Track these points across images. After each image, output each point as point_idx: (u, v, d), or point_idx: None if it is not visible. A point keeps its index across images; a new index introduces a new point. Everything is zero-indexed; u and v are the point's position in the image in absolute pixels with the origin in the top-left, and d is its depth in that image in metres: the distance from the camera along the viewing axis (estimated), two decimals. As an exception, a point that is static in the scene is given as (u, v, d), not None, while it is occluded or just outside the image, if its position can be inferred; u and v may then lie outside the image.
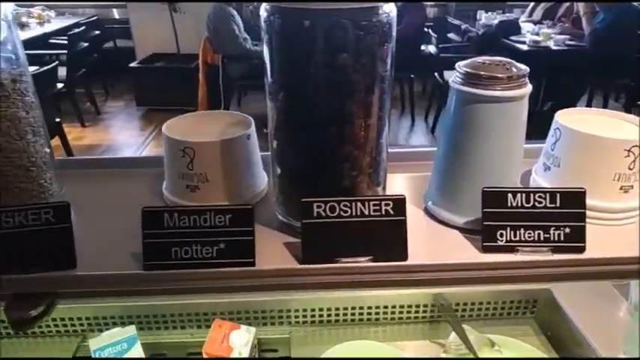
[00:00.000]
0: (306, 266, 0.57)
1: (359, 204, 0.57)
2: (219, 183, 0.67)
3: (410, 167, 0.83)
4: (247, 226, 0.56)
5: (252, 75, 4.32)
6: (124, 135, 4.39)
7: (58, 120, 3.58)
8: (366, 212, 0.57)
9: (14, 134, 0.60)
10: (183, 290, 0.56)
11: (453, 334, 1.10)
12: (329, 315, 1.22)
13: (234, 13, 4.09)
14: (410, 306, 1.22)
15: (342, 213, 0.57)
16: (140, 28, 4.98)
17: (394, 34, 0.55)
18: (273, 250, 0.61)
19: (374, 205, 0.57)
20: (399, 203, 0.57)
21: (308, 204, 0.56)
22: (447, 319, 1.16)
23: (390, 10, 0.53)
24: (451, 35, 4.91)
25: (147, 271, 0.56)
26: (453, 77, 0.62)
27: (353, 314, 1.22)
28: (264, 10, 0.55)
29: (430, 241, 0.65)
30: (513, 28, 4.17)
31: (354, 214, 0.57)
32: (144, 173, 0.81)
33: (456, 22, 4.94)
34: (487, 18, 4.59)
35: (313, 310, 1.21)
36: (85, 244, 0.59)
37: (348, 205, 0.57)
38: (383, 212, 0.57)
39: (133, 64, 4.78)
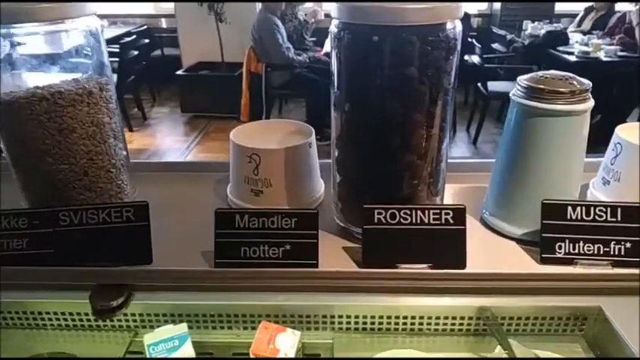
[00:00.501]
0: (367, 270, 0.59)
1: (419, 212, 0.59)
2: (281, 188, 0.71)
3: (461, 178, 0.84)
4: (312, 229, 0.59)
5: (293, 84, 4.41)
6: (169, 140, 4.54)
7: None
8: (426, 220, 0.59)
9: (99, 138, 0.66)
10: (251, 288, 0.60)
11: (499, 347, 1.09)
12: (372, 323, 1.23)
13: (279, 23, 4.18)
14: (455, 317, 1.21)
15: (402, 220, 0.59)
16: (187, 37, 5.16)
17: (459, 48, 0.57)
18: (332, 254, 0.64)
19: (434, 213, 0.59)
20: (459, 213, 0.59)
21: (369, 210, 0.59)
22: (493, 332, 1.15)
23: (455, 25, 0.56)
24: (495, 46, 4.83)
25: (218, 269, 0.60)
26: (514, 90, 0.63)
27: (397, 323, 1.23)
28: (334, 26, 0.58)
29: (487, 251, 0.66)
30: (561, 38, 4.07)
31: (414, 221, 0.59)
32: (206, 177, 0.86)
33: (501, 32, 4.86)
34: (533, 28, 4.50)
35: (357, 317, 1.23)
36: (157, 241, 0.63)
37: (409, 213, 0.59)
38: (443, 221, 0.59)
39: (179, 72, 4.95)
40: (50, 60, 0.63)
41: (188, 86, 4.91)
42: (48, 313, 1.32)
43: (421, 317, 1.26)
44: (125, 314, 1.34)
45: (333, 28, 0.59)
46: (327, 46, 4.65)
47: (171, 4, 5.18)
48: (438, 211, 0.59)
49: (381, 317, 1.25)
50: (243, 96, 4.34)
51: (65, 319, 1.31)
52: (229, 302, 1.29)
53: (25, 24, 0.59)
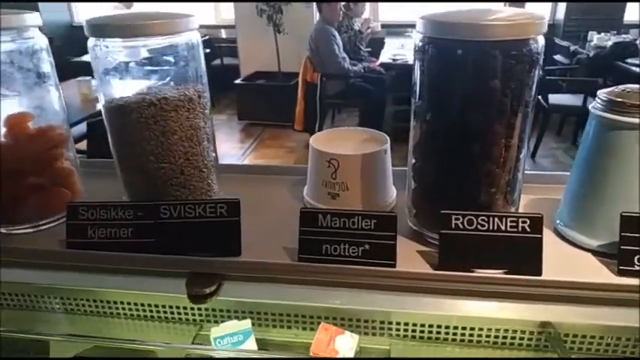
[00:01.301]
0: (443, 272, 0.62)
1: (496, 219, 0.61)
2: (357, 192, 0.75)
3: (530, 189, 0.85)
4: (390, 231, 0.63)
5: (347, 93, 4.46)
6: (226, 146, 4.71)
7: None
8: (503, 228, 0.61)
9: (195, 140, 0.73)
10: (332, 283, 0.64)
11: (559, 365, 1.07)
12: (430, 332, 1.24)
13: (335, 33, 4.26)
14: (515, 331, 1.20)
15: (479, 227, 0.61)
16: (246, 47, 5.35)
17: (541, 61, 0.59)
18: (406, 256, 0.67)
19: (511, 221, 0.61)
20: (537, 221, 0.60)
21: (447, 216, 0.61)
22: (555, 348, 1.13)
23: (539, 40, 0.58)
24: (558, 57, 4.69)
25: (302, 263, 0.64)
26: (593, 104, 0.64)
27: (455, 334, 1.23)
28: (418, 39, 0.62)
29: (562, 261, 0.66)
30: (630, 49, 3.90)
31: (491, 228, 0.61)
32: (282, 179, 0.91)
33: (564, 43, 4.71)
34: (599, 39, 4.34)
35: (415, 324, 1.24)
36: (243, 235, 0.69)
37: (486, 219, 0.61)
38: (520, 229, 0.61)
39: (237, 81, 5.14)
40: (158, 69, 0.70)
41: (245, 95, 5.08)
42: (122, 302, 1.43)
43: (480, 329, 1.26)
44: (192, 308, 1.43)
45: (417, 42, 0.62)
46: (383, 57, 4.69)
47: (232, 15, 5.39)
48: (515, 219, 0.61)
49: (439, 326, 1.26)
50: (297, 105, 4.44)
51: (137, 310, 1.41)
52: (290, 302, 1.34)
53: (140, 38, 0.66)
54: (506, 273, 0.61)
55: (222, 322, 1.45)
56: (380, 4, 5.89)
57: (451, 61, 0.59)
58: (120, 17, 0.68)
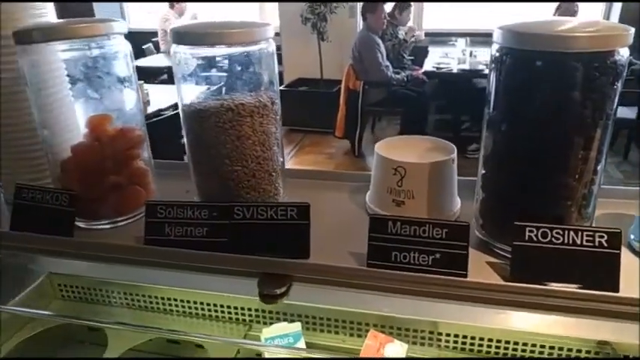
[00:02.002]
0: (517, 284, 0.61)
1: (572, 233, 0.60)
2: (423, 200, 0.75)
3: (603, 204, 0.83)
4: (462, 240, 0.63)
5: (389, 101, 4.46)
6: (267, 151, 4.77)
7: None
8: (579, 242, 0.60)
9: (267, 145, 0.75)
10: (400, 290, 0.64)
11: (617, 385, 1.03)
12: (480, 345, 1.22)
13: (379, 41, 4.27)
14: (570, 349, 1.17)
15: (553, 240, 0.60)
16: (290, 54, 5.43)
17: (624, 74, 0.58)
18: (474, 267, 0.67)
19: (587, 236, 0.59)
20: (615, 237, 0.59)
21: (521, 228, 0.61)
22: (614, 369, 1.09)
23: (624, 53, 0.57)
24: None
25: (371, 269, 0.65)
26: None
27: (506, 348, 1.21)
28: (495, 49, 0.62)
29: (635, 278, 0.65)
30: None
31: (566, 242, 0.60)
32: (341, 185, 0.93)
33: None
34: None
35: (465, 337, 1.23)
36: (312, 239, 0.70)
37: (561, 233, 0.60)
38: (596, 244, 0.59)
39: (280, 87, 5.21)
40: (235, 75, 0.74)
41: (287, 101, 5.08)
42: (176, 299, 1.48)
43: (533, 345, 1.23)
44: (242, 308, 1.46)
45: (493, 52, 0.62)
46: (426, 65, 4.66)
47: (277, 23, 5.49)
48: (592, 233, 0.59)
49: (490, 340, 1.24)
50: (339, 112, 4.47)
51: (189, 307, 1.45)
52: (340, 308, 1.35)
53: (221, 46, 0.69)
54: (580, 288, 0.60)
55: (272, 323, 1.48)
56: (424, 12, 5.86)
57: (530, 72, 0.58)
58: (203, 26, 0.71)
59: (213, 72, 0.72)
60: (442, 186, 0.76)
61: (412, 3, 4.90)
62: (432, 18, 6.00)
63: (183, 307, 1.47)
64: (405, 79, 4.44)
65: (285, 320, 1.43)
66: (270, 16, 6.16)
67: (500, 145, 0.65)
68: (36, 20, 0.80)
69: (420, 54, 5.03)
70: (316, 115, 4.86)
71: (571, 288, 0.60)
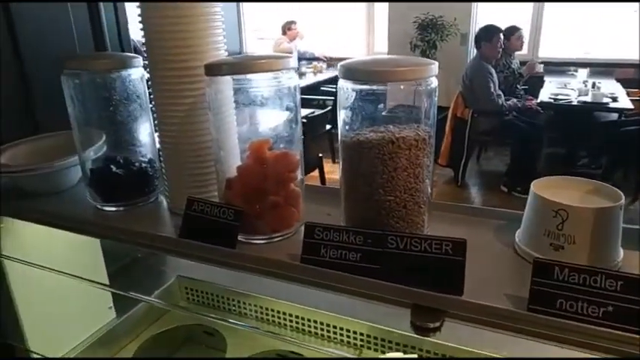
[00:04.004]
0: None
1: None
2: (585, 247, 0.71)
3: None
4: (639, 295, 0.59)
5: (499, 131, 4.29)
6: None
7: (320, 155, 4.18)
8: None
9: (420, 177, 0.77)
10: (562, 339, 0.62)
11: None
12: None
13: (492, 71, 4.16)
14: None
15: None
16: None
17: None
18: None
19: None
20: None
21: None
22: None
23: None
24: None
25: (531, 313, 0.63)
26: None
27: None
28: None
29: None
30: None
31: None
32: (484, 222, 0.91)
33: None
34: None
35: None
36: (463, 276, 0.70)
37: None
38: None
39: (384, 113, 5.25)
40: (398, 109, 0.77)
41: (390, 126, 5.16)
42: (290, 315, 1.54)
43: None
44: (355, 332, 1.48)
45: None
46: (541, 96, 4.43)
47: (385, 49, 5.57)
48: None
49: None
50: (444, 139, 4.39)
51: (303, 324, 1.50)
52: (456, 345, 1.31)
53: (391, 82, 0.73)
54: None
55: (383, 351, 1.47)
56: (541, 39, 5.59)
57: None
58: (372, 62, 0.76)
59: (379, 106, 0.76)
60: (608, 233, 0.72)
61: (521, 27, 4.70)
62: (548, 45, 5.70)
63: (297, 322, 1.52)
64: (518, 104, 4.25)
65: (397, 349, 1.42)
66: (379, 41, 6.28)
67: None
68: (214, 54, 0.91)
69: (535, 84, 4.79)
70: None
71: None
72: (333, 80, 5.56)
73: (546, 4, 5.47)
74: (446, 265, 0.69)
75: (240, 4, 6.99)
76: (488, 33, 4.17)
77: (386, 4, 5.61)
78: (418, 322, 0.68)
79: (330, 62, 6.51)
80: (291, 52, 5.81)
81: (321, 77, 5.91)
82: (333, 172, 4.92)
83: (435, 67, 0.73)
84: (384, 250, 0.72)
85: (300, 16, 6.68)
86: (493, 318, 0.66)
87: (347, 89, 0.77)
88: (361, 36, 6.74)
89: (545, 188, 0.77)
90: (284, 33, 6.56)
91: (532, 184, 0.78)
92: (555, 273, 0.63)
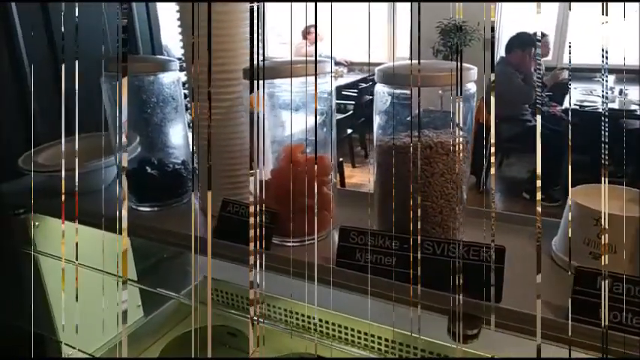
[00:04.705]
0: None
1: None
2: (624, 256, 0.70)
3: None
4: (686, 307, 0.58)
5: (521, 138, 4.23)
6: (387, 179, 4.80)
7: (340, 160, 4.19)
8: None
9: (457, 183, 0.77)
10: (602, 349, 0.61)
11: None
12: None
13: (517, 76, 4.10)
14: None
15: None
16: (416, 85, 5.43)
17: None
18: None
19: None
20: None
21: None
22: None
23: None
24: None
25: (568, 321, 0.62)
26: None
27: None
28: None
29: None
30: None
31: None
32: (516, 229, 0.91)
33: None
34: None
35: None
36: (498, 283, 0.69)
37: None
38: None
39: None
40: (435, 113, 0.77)
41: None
42: (314, 318, 1.53)
43: None
44: (380, 337, 1.47)
45: None
46: (566, 102, 4.35)
47: (407, 54, 5.54)
48: None
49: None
50: (466, 145, 4.33)
51: (327, 327, 1.50)
52: (482, 353, 1.29)
53: (430, 87, 0.73)
54: None
55: (407, 357, 1.46)
56: (565, 44, 5.51)
57: None
58: (409, 67, 0.76)
59: (410, 109, 0.76)
60: (650, 243, 0.70)
61: (547, 34, 4.63)
62: (573, 50, 5.60)
63: (321, 326, 1.52)
64: (542, 112, 4.19)
65: (422, 356, 1.41)
66: (401, 46, 6.26)
67: None
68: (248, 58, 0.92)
69: (559, 90, 4.72)
70: (440, 147, 4.77)
71: None
72: (354, 85, 5.55)
73: (572, 9, 5.39)
74: (484, 272, 0.68)
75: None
76: (523, 42, 4.12)
77: (408, 9, 5.58)
78: (455, 329, 0.68)
79: (351, 67, 6.51)
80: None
81: (342, 82, 5.91)
82: (353, 176, 4.92)
83: (474, 72, 0.73)
84: (421, 256, 0.72)
85: (320, 20, 6.69)
86: (532, 326, 0.65)
87: (383, 93, 0.77)
88: (382, 41, 6.72)
89: (586, 196, 0.76)
90: (304, 37, 6.58)
91: (571, 191, 0.77)
92: (598, 282, 0.62)
